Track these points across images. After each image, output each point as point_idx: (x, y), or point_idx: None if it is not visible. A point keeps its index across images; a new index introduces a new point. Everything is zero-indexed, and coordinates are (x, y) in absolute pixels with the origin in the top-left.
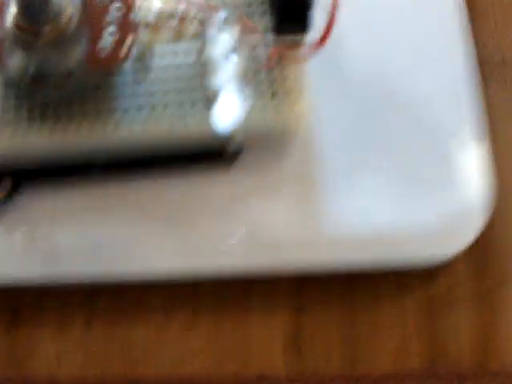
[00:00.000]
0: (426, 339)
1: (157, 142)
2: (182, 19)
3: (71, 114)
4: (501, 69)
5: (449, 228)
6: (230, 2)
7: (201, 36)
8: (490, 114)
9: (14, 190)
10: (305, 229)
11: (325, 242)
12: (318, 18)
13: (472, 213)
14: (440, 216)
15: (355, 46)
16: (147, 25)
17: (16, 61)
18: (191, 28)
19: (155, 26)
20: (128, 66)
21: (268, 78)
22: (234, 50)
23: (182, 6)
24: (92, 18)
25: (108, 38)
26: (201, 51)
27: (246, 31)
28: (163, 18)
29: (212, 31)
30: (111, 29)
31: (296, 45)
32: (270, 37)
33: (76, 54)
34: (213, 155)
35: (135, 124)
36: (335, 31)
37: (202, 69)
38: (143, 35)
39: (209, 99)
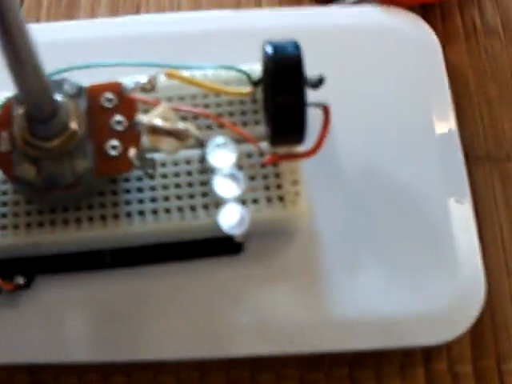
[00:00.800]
0: None
1: (158, 239)
2: (182, 136)
3: (79, 217)
4: (487, 163)
5: (451, 311)
6: (226, 111)
7: (199, 149)
8: (475, 201)
9: (26, 285)
10: (309, 315)
11: (328, 327)
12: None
13: (471, 296)
14: (442, 301)
15: (350, 144)
16: (148, 138)
17: (24, 171)
18: (190, 142)
19: (156, 138)
20: (130, 174)
21: (268, 178)
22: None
23: (181, 126)
24: (95, 130)
25: (111, 149)
26: (200, 160)
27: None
28: (164, 132)
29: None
30: (114, 141)
31: (291, 153)
32: (266, 145)
33: (81, 165)
34: (218, 246)
35: (137, 227)
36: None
37: (201, 177)
38: (144, 145)
39: (208, 205)
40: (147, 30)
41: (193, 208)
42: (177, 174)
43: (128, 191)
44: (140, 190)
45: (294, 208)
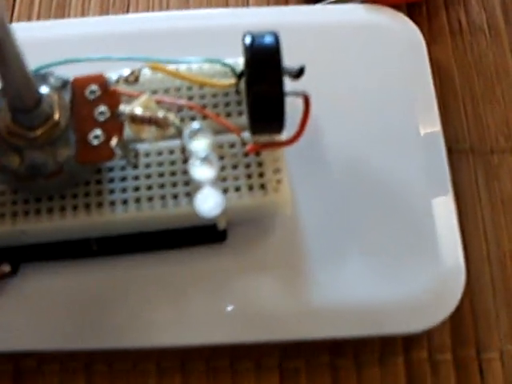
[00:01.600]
0: None
1: (141, 227)
2: (161, 124)
3: (63, 206)
4: (470, 156)
5: (431, 300)
6: (210, 102)
7: (180, 137)
8: (458, 193)
9: (12, 273)
10: (289, 302)
11: (308, 315)
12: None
13: (451, 284)
14: (422, 289)
15: (333, 134)
16: (130, 128)
17: (9, 161)
18: (171, 130)
19: (137, 127)
20: (114, 163)
21: (250, 167)
22: (209, 152)
23: (160, 114)
24: (79, 120)
25: (94, 138)
26: (182, 150)
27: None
28: (144, 121)
29: (188, 135)
30: (97, 130)
31: (272, 141)
32: (248, 135)
33: (64, 153)
34: (202, 235)
35: (120, 215)
36: (314, 122)
37: (184, 166)
38: (127, 135)
39: (189, 193)
40: (135, 28)
41: (175, 196)
42: (160, 164)
43: (112, 180)
44: (124, 179)
45: (276, 195)
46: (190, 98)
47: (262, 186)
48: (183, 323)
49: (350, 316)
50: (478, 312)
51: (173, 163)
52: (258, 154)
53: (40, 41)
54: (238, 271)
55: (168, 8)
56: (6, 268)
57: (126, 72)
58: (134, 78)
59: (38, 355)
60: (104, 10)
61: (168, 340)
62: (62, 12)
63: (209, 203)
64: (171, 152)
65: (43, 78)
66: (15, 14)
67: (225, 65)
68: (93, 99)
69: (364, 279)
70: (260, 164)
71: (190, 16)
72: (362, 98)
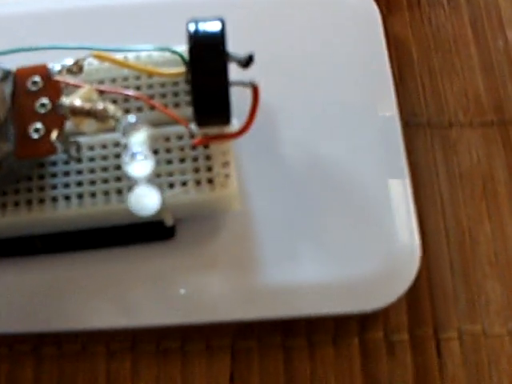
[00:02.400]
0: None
1: (85, 223)
2: (100, 116)
3: (4, 202)
4: (428, 130)
5: (384, 277)
6: (158, 92)
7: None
8: (415, 168)
9: None
10: (239, 282)
11: (259, 294)
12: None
13: (405, 261)
14: (375, 267)
15: (286, 124)
16: (70, 119)
17: None
18: (111, 122)
19: (78, 120)
20: (57, 157)
21: (198, 160)
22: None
23: (100, 106)
24: (19, 113)
25: (34, 132)
26: (121, 144)
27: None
28: (84, 113)
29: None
30: (37, 123)
31: (220, 133)
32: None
33: (3, 148)
34: (149, 232)
35: (62, 211)
36: (267, 111)
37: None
38: (69, 128)
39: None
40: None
41: (119, 191)
42: (104, 157)
43: (55, 175)
44: (66, 173)
45: (224, 190)
46: (138, 88)
47: (210, 181)
48: (128, 304)
49: (302, 295)
50: (435, 291)
51: (117, 156)
52: (206, 146)
53: None
54: (187, 268)
55: None
56: None
57: (69, 62)
58: (77, 68)
59: None
60: None
61: (117, 321)
62: None
63: (143, 202)
64: (116, 145)
65: None
66: None
67: (174, 52)
68: (35, 91)
69: (317, 258)
70: (208, 157)
71: None
72: (315, 74)
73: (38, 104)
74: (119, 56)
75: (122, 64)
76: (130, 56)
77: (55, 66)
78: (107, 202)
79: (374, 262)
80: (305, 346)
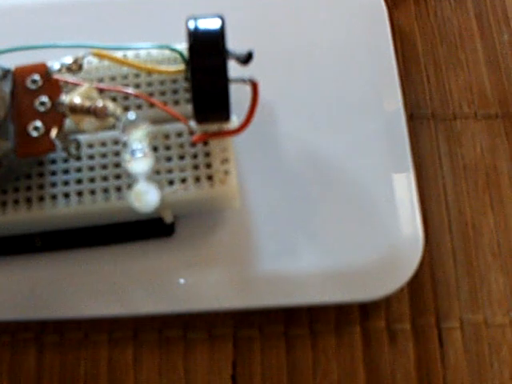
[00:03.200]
0: (364, 373)
1: (84, 221)
2: (100, 114)
3: (4, 200)
4: (432, 122)
5: (387, 267)
6: (157, 90)
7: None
8: (419, 160)
9: None
10: (240, 271)
11: (261, 282)
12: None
13: (408, 250)
14: (378, 255)
15: (286, 121)
16: (70, 117)
17: None
18: (110, 121)
19: (77, 118)
20: (57, 155)
21: (198, 157)
22: (144, 144)
23: (99, 104)
24: (19, 111)
25: (33, 130)
26: (120, 141)
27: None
28: (83, 111)
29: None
30: (37, 121)
31: (220, 130)
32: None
33: (3, 146)
34: (148, 229)
35: (62, 209)
36: (268, 107)
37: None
38: (68, 126)
39: (131, 185)
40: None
41: (118, 189)
42: (103, 155)
43: (54, 173)
44: (66, 171)
45: (223, 187)
46: (137, 86)
47: (209, 178)
48: (130, 291)
49: (304, 284)
50: (438, 280)
51: (116, 154)
52: (205, 143)
53: None
54: (186, 265)
55: None
56: None
57: (68, 60)
58: (76, 67)
59: None
60: None
61: (119, 310)
62: None
63: (143, 198)
64: (115, 143)
65: None
66: None
67: (173, 50)
68: (34, 89)
69: (319, 246)
70: (207, 154)
71: None
72: (319, 67)
73: (37, 102)
74: (119, 54)
75: (122, 62)
76: (130, 54)
77: (54, 65)
78: (107, 199)
79: (376, 252)
80: (307, 334)
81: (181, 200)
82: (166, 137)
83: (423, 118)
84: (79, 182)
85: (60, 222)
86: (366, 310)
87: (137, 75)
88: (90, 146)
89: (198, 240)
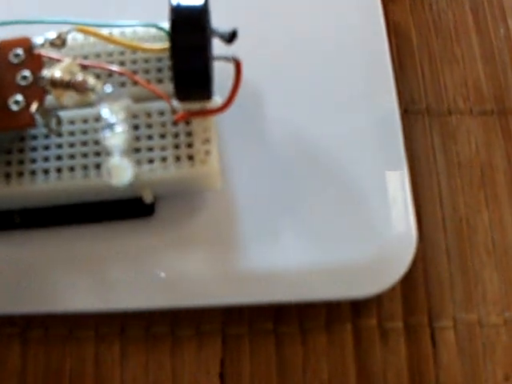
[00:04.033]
0: (355, 371)
1: (63, 198)
2: (80, 88)
3: None
4: (426, 117)
5: (379, 264)
6: (141, 68)
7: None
8: (413, 155)
9: None
10: (227, 267)
11: (250, 279)
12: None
13: (401, 247)
14: (370, 252)
15: (272, 103)
16: (51, 92)
17: None
18: (91, 97)
19: (58, 92)
20: (38, 131)
21: (179, 137)
22: (120, 117)
23: (79, 77)
24: (0, 84)
25: (14, 104)
26: (99, 118)
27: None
28: (63, 85)
29: (103, 103)
30: (18, 95)
31: (202, 109)
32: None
33: None
34: (128, 208)
35: (40, 185)
36: (254, 88)
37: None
38: (48, 101)
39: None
40: None
41: (97, 166)
42: (84, 132)
43: (35, 149)
44: (46, 147)
45: (204, 167)
46: (122, 63)
47: (190, 157)
48: (115, 287)
49: (294, 280)
50: (431, 278)
51: (97, 131)
52: (188, 123)
53: None
54: (166, 246)
55: None
56: None
57: (51, 35)
58: (60, 42)
59: None
60: None
61: (104, 304)
62: None
63: (116, 172)
64: (96, 120)
65: None
66: None
67: (159, 28)
68: (16, 63)
69: (309, 242)
70: (189, 134)
71: None
72: (312, 56)
73: (19, 76)
74: (104, 31)
75: (106, 39)
76: (115, 32)
77: (38, 39)
78: (86, 176)
79: (368, 248)
80: (297, 332)
81: (160, 179)
82: (148, 115)
83: (417, 113)
84: (59, 158)
85: (39, 198)
86: (357, 308)
87: (122, 53)
88: (71, 122)
89: (179, 221)
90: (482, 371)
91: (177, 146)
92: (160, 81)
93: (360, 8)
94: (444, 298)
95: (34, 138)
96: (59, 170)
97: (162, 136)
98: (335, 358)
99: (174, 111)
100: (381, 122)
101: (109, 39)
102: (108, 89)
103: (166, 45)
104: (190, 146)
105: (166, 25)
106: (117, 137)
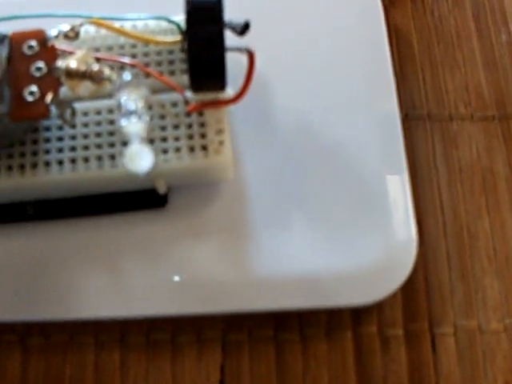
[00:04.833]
0: (355, 379)
1: (77, 189)
2: (96, 77)
3: None
4: (428, 123)
5: (380, 271)
6: (153, 60)
7: (114, 95)
8: (414, 161)
9: None
10: (232, 272)
11: (253, 286)
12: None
13: (401, 255)
14: (371, 260)
15: (283, 95)
16: (66, 83)
17: None
18: (107, 87)
19: (73, 83)
20: (51, 122)
21: (192, 127)
22: (139, 105)
23: (95, 67)
24: (15, 76)
25: (29, 95)
26: (117, 109)
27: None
28: (79, 75)
29: (122, 91)
30: (33, 86)
31: (216, 99)
32: (191, 94)
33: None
34: (141, 199)
35: (55, 176)
36: (264, 81)
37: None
38: (63, 93)
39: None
40: None
41: (112, 157)
42: (98, 123)
43: (48, 140)
44: (60, 139)
45: (217, 157)
46: (134, 56)
47: (204, 148)
48: (121, 294)
49: (295, 287)
50: (432, 285)
51: (111, 122)
52: (201, 114)
53: None
54: (178, 238)
55: None
56: None
57: (65, 28)
58: (73, 34)
59: None
60: None
61: (104, 312)
62: None
63: (136, 160)
64: (110, 111)
65: None
66: None
67: (171, 22)
68: (30, 55)
69: (310, 248)
70: (202, 124)
71: None
72: (315, 60)
73: (33, 67)
74: (116, 25)
75: (119, 31)
76: (127, 25)
77: (52, 31)
78: (100, 167)
79: (369, 255)
80: (297, 339)
81: (174, 169)
82: (162, 106)
83: (419, 118)
84: (73, 149)
85: (53, 189)
86: (358, 315)
87: (133, 46)
88: (85, 113)
89: (192, 212)
90: (482, 378)
91: (190, 137)
92: (172, 73)
93: (361, 13)
94: (444, 304)
95: (48, 129)
96: (73, 161)
97: (176, 127)
98: (336, 365)
99: (186, 102)
100: (382, 127)
101: (121, 32)
102: (127, 77)
103: (177, 37)
104: (203, 136)
105: (177, 18)
106: (136, 124)
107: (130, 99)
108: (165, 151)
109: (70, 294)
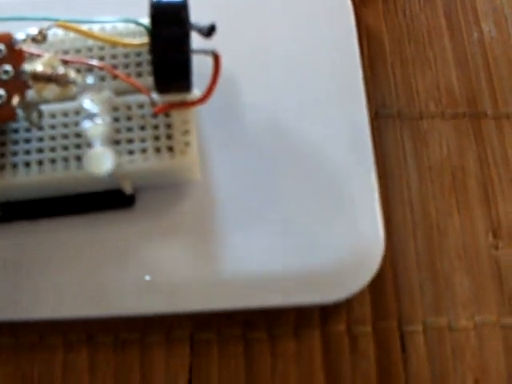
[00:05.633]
0: (324, 377)
1: (45, 191)
2: (61, 81)
3: None
4: (397, 121)
5: (346, 268)
6: (121, 62)
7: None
8: (383, 159)
9: None
10: (199, 271)
11: (219, 285)
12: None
13: (368, 252)
14: (338, 257)
15: (251, 95)
16: (33, 86)
17: None
18: (72, 90)
19: (39, 86)
20: (18, 124)
21: (159, 128)
22: (101, 108)
23: (61, 71)
24: None
25: None
26: (80, 111)
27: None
28: (45, 78)
29: (85, 94)
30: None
31: (182, 101)
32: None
33: None
34: (108, 200)
35: (22, 178)
36: (232, 81)
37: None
38: (30, 95)
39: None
40: None
41: (78, 158)
42: (65, 125)
43: (16, 142)
44: (27, 140)
45: (183, 158)
46: (102, 58)
47: (170, 149)
48: (89, 293)
49: (262, 285)
50: (401, 283)
51: (78, 124)
52: (167, 115)
53: None
54: (147, 238)
55: None
56: None
57: (32, 31)
58: (41, 37)
59: None
60: None
61: (71, 311)
62: None
63: (98, 162)
64: (77, 113)
65: None
66: None
67: (139, 24)
68: None
69: (278, 247)
70: (169, 126)
71: None
72: (283, 59)
73: (0, 71)
74: (84, 27)
75: (86, 34)
76: (95, 27)
77: (19, 35)
78: (67, 168)
79: (336, 252)
80: (265, 338)
81: (140, 170)
82: (128, 108)
83: (388, 117)
84: (40, 151)
85: (20, 191)
86: (326, 313)
87: (101, 48)
88: (52, 116)
89: (160, 212)
90: (451, 375)
91: (157, 138)
92: (139, 75)
93: (330, 11)
94: (414, 302)
95: (15, 131)
96: (40, 163)
97: (142, 128)
98: (304, 363)
99: (153, 104)
100: (350, 126)
101: (89, 34)
102: (90, 80)
103: (145, 40)
104: (169, 137)
105: (145, 20)
106: (98, 127)
107: (92, 102)
108: (131, 152)
109: (39, 293)
